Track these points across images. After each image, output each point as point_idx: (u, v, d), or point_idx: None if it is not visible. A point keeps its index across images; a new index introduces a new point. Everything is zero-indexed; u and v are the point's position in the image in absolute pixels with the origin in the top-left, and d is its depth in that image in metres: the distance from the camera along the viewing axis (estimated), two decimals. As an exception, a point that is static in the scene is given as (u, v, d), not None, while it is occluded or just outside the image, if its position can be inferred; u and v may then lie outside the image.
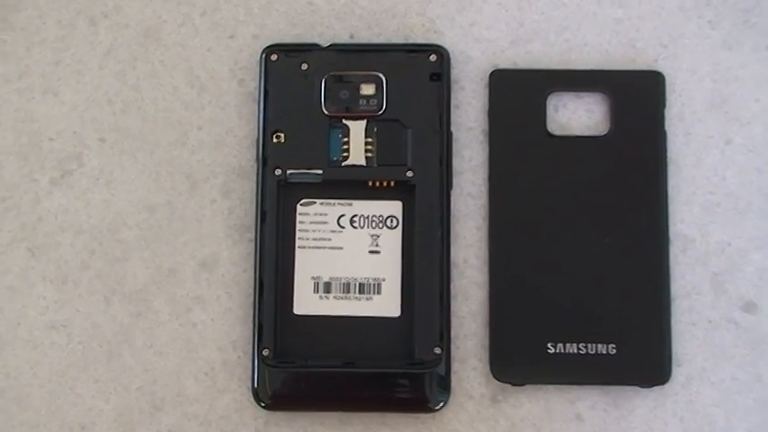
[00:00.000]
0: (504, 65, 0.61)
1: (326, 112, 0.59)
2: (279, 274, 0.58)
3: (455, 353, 0.59)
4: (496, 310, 0.59)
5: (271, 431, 0.58)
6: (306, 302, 0.58)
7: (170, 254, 0.60)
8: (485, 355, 0.58)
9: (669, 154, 0.61)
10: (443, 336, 0.58)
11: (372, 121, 0.59)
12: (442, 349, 0.58)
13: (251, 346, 0.58)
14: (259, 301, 0.58)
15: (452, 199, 0.60)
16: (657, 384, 0.57)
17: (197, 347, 0.59)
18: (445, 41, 0.61)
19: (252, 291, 0.58)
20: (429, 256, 0.59)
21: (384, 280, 0.59)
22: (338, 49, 0.60)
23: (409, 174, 0.60)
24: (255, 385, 0.57)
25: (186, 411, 0.58)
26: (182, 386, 0.58)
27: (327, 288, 0.59)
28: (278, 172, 0.60)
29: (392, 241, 0.59)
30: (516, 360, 0.58)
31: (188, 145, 0.62)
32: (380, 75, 0.59)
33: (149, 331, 0.59)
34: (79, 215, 0.60)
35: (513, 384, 0.58)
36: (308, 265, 0.58)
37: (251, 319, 0.58)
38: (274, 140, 0.59)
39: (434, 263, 0.58)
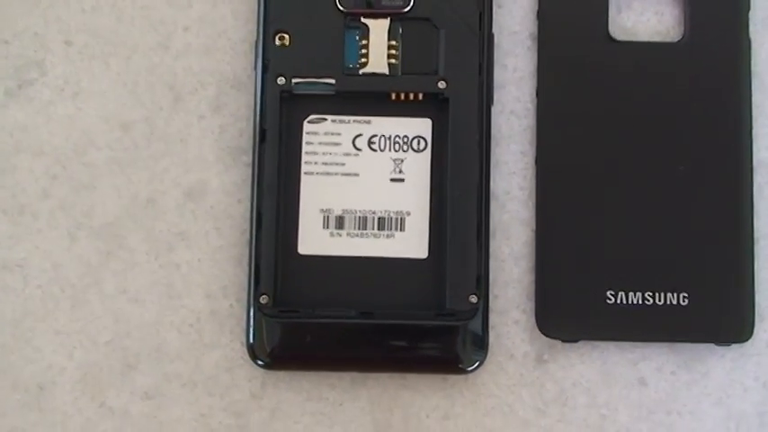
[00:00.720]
0: (557, -45, 0.50)
1: (342, 8, 0.49)
2: (281, 205, 0.48)
3: (494, 303, 0.49)
4: (544, 252, 0.50)
5: (269, 394, 0.48)
6: (313, 240, 0.49)
7: (148, 181, 0.50)
8: (529, 306, 0.49)
9: (753, 66, 0.51)
10: (480, 282, 0.48)
11: (397, 20, 0.49)
12: (478, 298, 0.48)
13: (246, 292, 0.49)
14: (256, 238, 0.48)
15: (493, 117, 0.50)
16: (737, 342, 0.49)
17: (180, 294, 0.50)
18: (487, -76, 0.50)
19: (247, 226, 0.49)
20: (463, 185, 0.49)
21: (408, 214, 0.49)
22: (356, -70, 0.49)
23: (441, 85, 0.49)
24: (251, 339, 0.48)
25: (166, 370, 0.49)
26: (161, 340, 0.49)
27: (340, 223, 0.49)
28: (281, 81, 0.49)
29: (419, 167, 0.49)
30: (568, 312, 0.49)
31: (171, 49, 0.51)
32: (407, -38, 0.50)
33: (122, 274, 0.50)
34: (39, 133, 0.51)
35: (564, 341, 0.49)
36: (316, 196, 0.49)
37: (246, 259, 0.49)
38: (277, 43, 0.49)
39: (470, 194, 0.49)
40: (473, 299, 0.48)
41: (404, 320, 0.48)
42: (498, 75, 0.51)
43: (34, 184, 0.51)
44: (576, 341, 0.49)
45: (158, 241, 0.50)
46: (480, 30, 0.49)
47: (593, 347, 0.49)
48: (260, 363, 0.48)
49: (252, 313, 0.48)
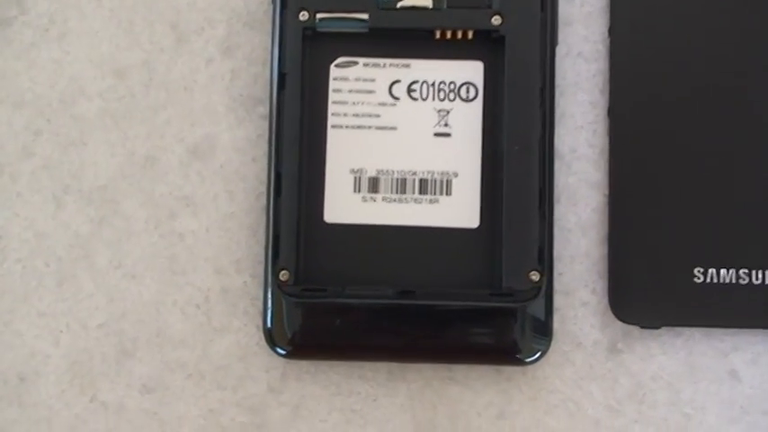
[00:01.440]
0: None
1: None
2: (304, 165, 0.42)
3: (558, 281, 0.43)
4: (619, 221, 0.42)
5: (290, 387, 0.43)
6: (342, 206, 0.42)
7: (147, 136, 0.44)
8: (601, 285, 0.43)
9: None
10: (543, 256, 0.41)
11: None
12: (540, 275, 0.41)
13: (262, 267, 0.42)
14: (274, 204, 0.42)
15: (557, 60, 0.43)
16: None
17: (185, 269, 0.43)
18: None
19: (264, 189, 0.43)
20: (522, 141, 0.41)
21: (456, 175, 0.42)
22: None
23: (496, 20, 0.42)
24: (269, 323, 0.42)
25: (168, 358, 0.43)
26: (162, 323, 0.43)
27: (374, 186, 0.42)
28: (303, 17, 0.42)
29: (468, 119, 0.42)
30: (647, 292, 0.42)
31: None
32: None
33: (116, 245, 0.43)
34: (20, 81, 0.44)
35: (642, 327, 0.42)
36: (345, 154, 0.42)
37: (262, 228, 0.42)
38: None
39: (530, 152, 0.41)
40: (534, 276, 0.41)
41: (451, 301, 0.41)
42: (563, 9, 0.43)
43: (14, 141, 0.44)
44: (656, 327, 0.42)
45: (159, 207, 0.43)
46: (541, -47, 0.42)
47: (677, 335, 0.42)
48: (279, 351, 0.42)
49: (270, 292, 0.42)
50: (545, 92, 0.41)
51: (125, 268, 0.43)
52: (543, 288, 0.41)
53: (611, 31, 0.43)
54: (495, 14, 0.42)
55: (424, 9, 0.42)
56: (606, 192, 0.42)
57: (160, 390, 0.42)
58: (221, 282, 0.43)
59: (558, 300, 0.42)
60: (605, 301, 0.42)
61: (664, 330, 0.42)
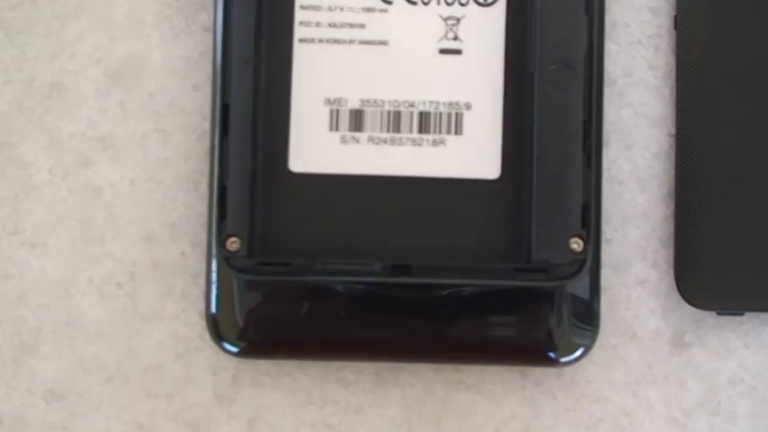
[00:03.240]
0: None
1: None
2: (261, 94, 0.32)
3: (607, 251, 0.33)
4: (691, 172, 0.32)
5: (244, 395, 0.33)
6: (314, 150, 0.32)
7: (52, 55, 0.34)
8: (664, 257, 0.33)
9: None
10: (588, 218, 0.31)
11: None
12: (584, 243, 0.31)
13: (206, 233, 0.32)
14: (221, 148, 0.32)
15: None
16: None
17: (102, 235, 0.33)
18: None
19: (207, 126, 0.33)
20: (561, 58, 0.31)
21: (469, 107, 0.32)
22: None
23: None
24: (215, 309, 0.32)
25: (81, 356, 0.33)
26: (74, 308, 0.33)
27: (357, 122, 0.32)
28: None
29: (486, 30, 0.32)
30: (727, 267, 0.32)
31: None
32: None
33: (11, 203, 0.33)
34: None
35: (720, 312, 0.33)
36: (318, 78, 0.32)
37: (205, 181, 0.33)
38: None
39: (571, 73, 0.31)
40: (576, 245, 0.31)
41: (460, 280, 0.32)
42: None
43: None
44: (738, 313, 0.33)
45: (68, 151, 0.34)
46: None
47: (765, 323, 0.33)
48: (229, 346, 0.33)
49: (215, 267, 0.32)
50: None
51: (22, 234, 0.33)
52: (588, 261, 0.31)
53: None
54: None
55: None
56: (672, 130, 0.32)
57: (71, 397, 0.33)
58: (151, 253, 0.33)
59: (606, 276, 0.32)
60: (670, 277, 0.33)
61: (747, 318, 0.33)
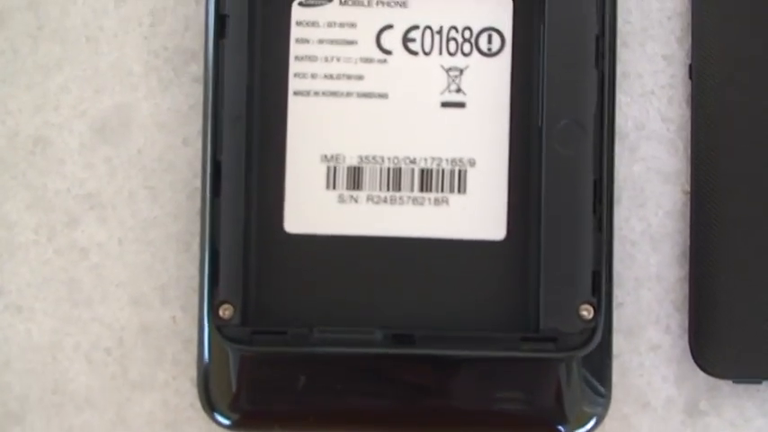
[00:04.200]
0: None
1: None
2: (254, 150, 0.30)
3: (619, 315, 0.31)
4: (707, 229, 0.30)
5: None
6: (311, 210, 0.30)
7: (35, 108, 0.32)
8: (678, 321, 0.31)
9: None
10: (599, 282, 0.30)
11: None
12: (595, 310, 0.29)
13: (196, 295, 0.30)
14: (213, 207, 0.30)
15: None
16: None
17: (90, 298, 0.32)
18: None
19: (199, 184, 0.31)
20: (570, 113, 0.29)
21: (473, 164, 0.30)
22: None
23: None
24: (207, 378, 0.30)
25: (70, 425, 0.32)
26: (60, 375, 0.32)
27: (355, 180, 0.31)
28: None
29: (491, 82, 0.30)
30: (745, 332, 0.30)
31: None
32: None
33: None
34: None
35: (737, 380, 0.31)
36: (314, 133, 0.30)
37: (197, 242, 0.31)
38: None
39: (581, 129, 0.29)
40: (586, 312, 0.29)
41: (464, 351, 0.30)
42: None
43: None
44: (757, 381, 0.31)
45: (53, 210, 0.32)
46: None
47: None
48: (221, 418, 0.31)
49: (207, 334, 0.30)
50: (602, 42, 0.30)
51: (7, 297, 0.31)
52: (599, 330, 0.29)
53: (698, -48, 0.30)
54: (530, -71, 0.29)
55: None
56: (687, 187, 0.30)
57: (59, 466, 0.31)
58: (140, 317, 0.31)
59: (617, 342, 0.31)
60: (684, 343, 0.31)
61: (765, 386, 0.31)
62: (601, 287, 0.29)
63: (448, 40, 0.30)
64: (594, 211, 0.29)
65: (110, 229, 0.31)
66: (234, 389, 0.30)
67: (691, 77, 0.30)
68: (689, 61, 0.30)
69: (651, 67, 0.31)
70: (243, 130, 0.29)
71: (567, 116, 0.29)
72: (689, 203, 0.30)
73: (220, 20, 0.29)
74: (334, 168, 0.30)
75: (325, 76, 0.30)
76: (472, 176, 0.30)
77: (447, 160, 0.30)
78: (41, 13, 0.31)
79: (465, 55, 0.30)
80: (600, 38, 0.29)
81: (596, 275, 0.29)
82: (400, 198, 0.30)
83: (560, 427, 0.29)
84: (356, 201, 0.30)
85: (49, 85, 0.31)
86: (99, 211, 0.31)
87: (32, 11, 0.31)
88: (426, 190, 0.30)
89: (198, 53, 0.31)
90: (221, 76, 0.30)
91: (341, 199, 0.30)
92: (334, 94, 0.30)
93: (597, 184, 0.29)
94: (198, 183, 0.30)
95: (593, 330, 0.29)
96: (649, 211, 0.31)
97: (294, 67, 0.30)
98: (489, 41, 0.30)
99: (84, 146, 0.31)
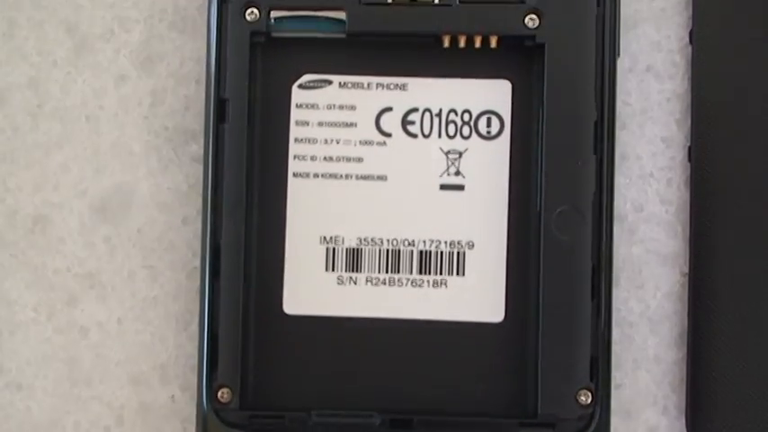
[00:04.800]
0: None
1: None
2: (253, 231, 0.30)
3: (617, 397, 0.31)
4: (706, 312, 0.30)
5: None
6: (310, 292, 0.30)
7: (35, 186, 0.32)
8: (675, 403, 0.31)
9: None
10: (597, 367, 0.29)
11: None
12: (593, 396, 0.29)
13: (195, 378, 0.30)
14: (211, 291, 0.30)
15: (618, 78, 0.30)
16: None
17: (90, 376, 0.31)
18: None
19: (198, 264, 0.30)
20: (568, 198, 0.29)
21: (471, 246, 0.30)
22: None
23: (531, 22, 0.30)
24: None
25: None
26: None
27: (354, 261, 0.30)
28: (252, 16, 0.30)
29: (490, 165, 0.30)
30: (744, 415, 0.30)
31: None
32: None
33: None
34: None
35: None
36: (313, 215, 0.30)
37: (195, 322, 0.31)
38: None
39: (579, 214, 0.29)
40: (584, 397, 0.29)
41: None
42: (627, 4, 0.30)
43: None
44: None
45: (53, 288, 0.32)
46: None
47: None
48: None
49: (204, 416, 0.30)
50: (601, 126, 0.29)
51: (7, 375, 0.31)
52: (597, 415, 0.29)
53: (695, 34, 0.30)
54: (530, 13, 0.29)
55: (428, 4, 0.29)
56: (685, 269, 0.30)
57: None
58: (139, 396, 0.31)
59: (615, 423, 0.30)
60: (681, 424, 0.31)
61: None
62: (599, 373, 0.29)
63: (447, 123, 0.30)
64: (593, 297, 0.29)
65: (109, 308, 0.31)
66: (233, 472, 0.30)
67: (690, 160, 0.30)
68: (688, 143, 0.30)
69: (650, 149, 0.31)
70: (242, 213, 0.29)
71: (565, 202, 0.29)
72: (687, 285, 0.30)
73: (220, 104, 0.29)
74: (334, 250, 0.30)
75: (325, 158, 0.30)
76: (471, 259, 0.30)
77: (446, 242, 0.30)
78: (41, 92, 0.31)
79: (464, 138, 0.30)
80: (599, 123, 0.29)
81: (594, 361, 0.29)
82: (399, 280, 0.30)
83: None
84: (355, 282, 0.30)
85: (49, 164, 0.31)
86: (99, 290, 0.31)
87: (32, 89, 0.31)
88: (425, 272, 0.30)
89: (198, 133, 0.31)
90: (221, 160, 0.29)
91: (340, 281, 0.30)
92: (333, 176, 0.30)
93: (596, 270, 0.29)
94: (197, 262, 0.30)
95: (592, 416, 0.29)
96: (648, 293, 0.30)
97: (294, 148, 0.30)
98: (488, 124, 0.30)
99: (84, 225, 0.31)
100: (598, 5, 0.29)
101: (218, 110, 0.30)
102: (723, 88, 0.30)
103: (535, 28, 0.29)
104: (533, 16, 0.29)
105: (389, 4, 0.29)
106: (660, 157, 0.31)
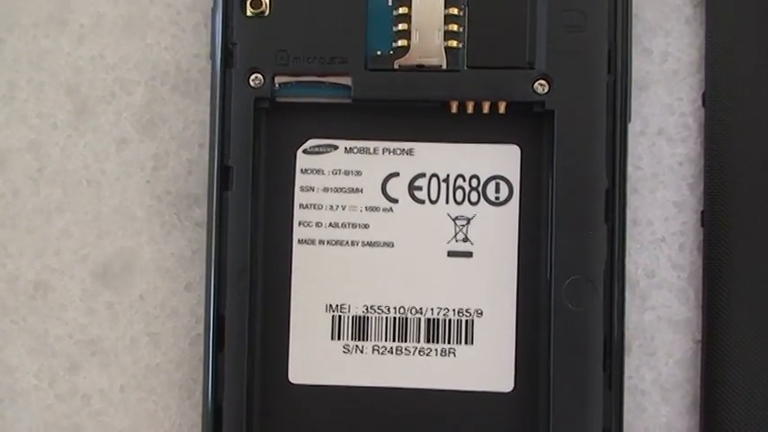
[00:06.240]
0: None
1: None
2: (258, 299, 0.30)
3: None
4: (719, 379, 0.29)
5: None
6: (315, 361, 0.30)
7: (35, 252, 0.31)
8: None
9: None
10: None
11: None
12: None
13: None
14: (215, 363, 0.29)
15: (630, 143, 0.29)
16: None
17: None
18: None
19: (201, 332, 0.30)
20: (579, 268, 0.29)
21: (480, 314, 0.30)
22: None
23: (541, 87, 0.29)
24: None
25: None
26: None
27: (360, 330, 0.30)
28: (256, 81, 0.29)
29: (499, 232, 0.30)
30: None
31: (71, 24, 0.31)
32: None
33: None
34: None
35: None
36: (319, 282, 0.30)
37: (199, 391, 0.30)
38: (249, 12, 0.29)
39: (591, 283, 0.29)
40: None
41: None
42: (638, 66, 0.30)
43: None
44: None
45: (54, 355, 0.31)
46: (608, -13, 0.29)
47: None
48: None
49: None
50: (612, 194, 0.29)
51: (7, 443, 0.30)
52: None
53: (708, 97, 0.29)
54: (539, 79, 0.28)
55: (435, 69, 0.28)
56: (698, 336, 0.30)
57: None
58: None
59: None
60: None
61: None
62: (611, 444, 0.29)
63: (455, 189, 0.30)
64: (605, 369, 0.28)
65: (112, 375, 0.30)
66: None
67: (703, 225, 0.30)
68: (701, 208, 0.30)
69: (662, 214, 0.30)
70: (246, 283, 0.29)
71: (576, 272, 0.28)
72: (699, 353, 0.30)
73: (224, 171, 0.29)
74: (339, 318, 0.30)
75: (331, 225, 0.30)
76: (479, 327, 0.29)
77: (454, 310, 0.29)
78: (42, 155, 0.31)
79: (472, 204, 0.29)
80: (610, 191, 0.28)
81: (607, 431, 0.29)
82: (406, 349, 0.29)
83: None
84: (362, 351, 0.29)
85: (50, 229, 0.31)
86: (101, 357, 0.30)
87: (33, 152, 0.31)
88: (433, 340, 0.29)
89: (201, 198, 0.30)
90: (225, 228, 0.29)
91: (346, 349, 0.29)
92: (339, 242, 0.30)
93: (607, 340, 0.28)
94: (200, 329, 0.30)
95: (604, 492, 0.28)
96: (660, 360, 0.30)
97: (299, 215, 0.30)
98: (497, 190, 0.29)
99: (86, 291, 0.31)
100: (609, 72, 0.29)
101: (222, 177, 0.29)
102: (737, 152, 0.29)
103: (545, 94, 0.29)
104: (543, 82, 0.29)
105: (396, 69, 0.29)
106: (672, 222, 0.30)
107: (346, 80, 0.29)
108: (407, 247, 0.29)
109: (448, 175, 0.29)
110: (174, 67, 0.30)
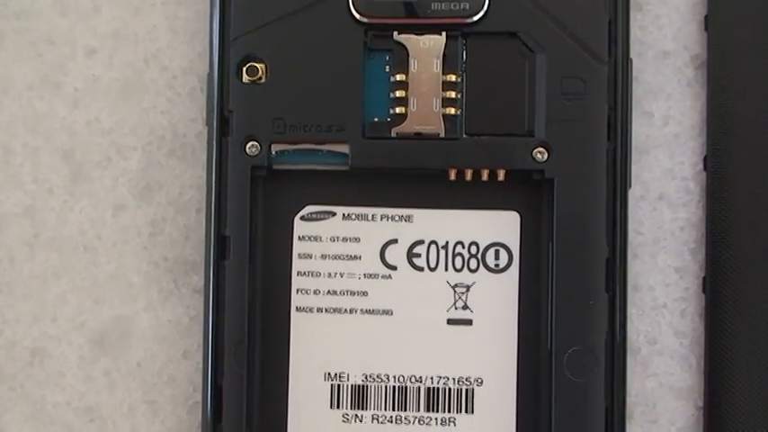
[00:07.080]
0: None
1: (360, 17, 0.29)
2: (255, 368, 0.29)
3: None
4: None
5: None
6: (314, 429, 0.29)
7: (33, 319, 0.31)
8: None
9: None
10: None
11: (460, 35, 0.29)
12: None
13: None
14: (213, 428, 0.29)
15: (630, 209, 0.29)
16: None
17: None
18: None
19: (199, 401, 0.29)
20: (580, 338, 0.28)
21: (480, 383, 0.29)
22: None
23: (540, 155, 0.29)
24: None
25: None
26: None
27: (360, 399, 0.30)
28: (253, 150, 0.29)
29: (498, 300, 0.29)
30: None
31: (66, 88, 0.31)
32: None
33: None
34: None
35: None
36: (317, 351, 0.29)
37: None
38: (245, 79, 0.29)
39: (591, 354, 0.28)
40: None
41: None
42: (638, 131, 0.29)
43: None
44: None
45: (52, 422, 0.31)
46: (610, 54, 0.28)
47: None
48: None
49: None
50: (613, 263, 0.28)
51: None
52: None
53: (709, 161, 0.29)
54: (538, 146, 0.28)
55: (433, 137, 0.28)
56: (700, 403, 0.29)
57: None
58: None
59: None
60: None
61: None
62: None
63: (454, 256, 0.29)
64: (610, 435, 0.28)
65: (109, 444, 0.31)
66: None
67: (704, 290, 0.29)
68: (703, 273, 0.29)
69: (663, 280, 0.30)
70: (244, 353, 0.28)
71: (577, 343, 0.28)
72: (702, 420, 0.29)
73: (221, 241, 0.29)
74: (338, 387, 0.29)
75: (329, 292, 0.29)
76: (480, 396, 0.29)
77: (454, 379, 0.29)
78: (38, 221, 0.30)
79: (471, 271, 0.29)
80: (610, 260, 0.28)
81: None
82: (406, 418, 0.29)
83: None
84: (361, 420, 0.29)
85: (47, 296, 0.30)
86: (99, 425, 0.30)
87: (29, 218, 0.30)
88: (433, 410, 0.29)
89: (198, 264, 0.30)
90: (222, 297, 0.29)
91: (345, 418, 0.29)
92: (337, 310, 0.29)
93: (609, 410, 0.28)
94: (198, 396, 0.29)
95: None
96: (662, 427, 0.29)
97: (296, 282, 0.29)
98: (496, 257, 0.29)
99: (84, 358, 0.30)
100: (608, 139, 0.28)
101: (219, 246, 0.29)
102: (738, 216, 0.29)
103: (544, 161, 0.28)
104: (542, 149, 0.28)
105: (393, 138, 0.28)
106: (674, 288, 0.30)
107: (344, 148, 0.29)
108: (406, 315, 0.29)
109: (447, 242, 0.29)
110: (171, 131, 0.30)
